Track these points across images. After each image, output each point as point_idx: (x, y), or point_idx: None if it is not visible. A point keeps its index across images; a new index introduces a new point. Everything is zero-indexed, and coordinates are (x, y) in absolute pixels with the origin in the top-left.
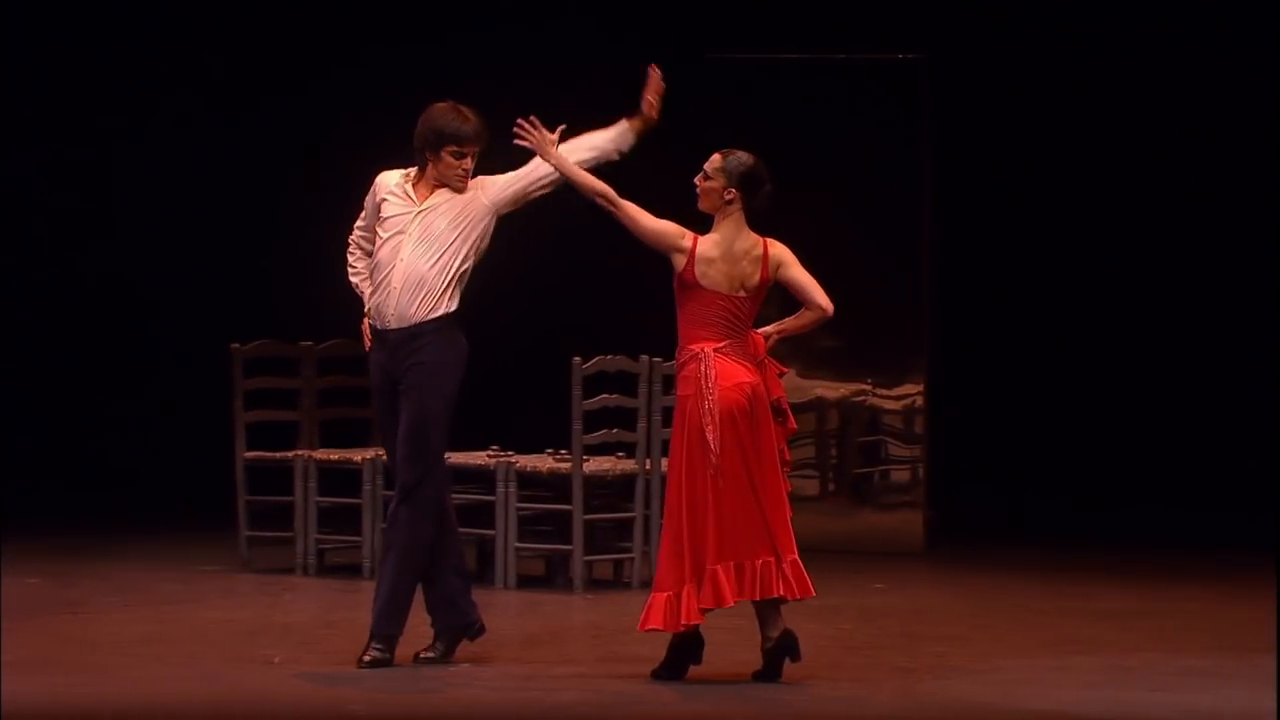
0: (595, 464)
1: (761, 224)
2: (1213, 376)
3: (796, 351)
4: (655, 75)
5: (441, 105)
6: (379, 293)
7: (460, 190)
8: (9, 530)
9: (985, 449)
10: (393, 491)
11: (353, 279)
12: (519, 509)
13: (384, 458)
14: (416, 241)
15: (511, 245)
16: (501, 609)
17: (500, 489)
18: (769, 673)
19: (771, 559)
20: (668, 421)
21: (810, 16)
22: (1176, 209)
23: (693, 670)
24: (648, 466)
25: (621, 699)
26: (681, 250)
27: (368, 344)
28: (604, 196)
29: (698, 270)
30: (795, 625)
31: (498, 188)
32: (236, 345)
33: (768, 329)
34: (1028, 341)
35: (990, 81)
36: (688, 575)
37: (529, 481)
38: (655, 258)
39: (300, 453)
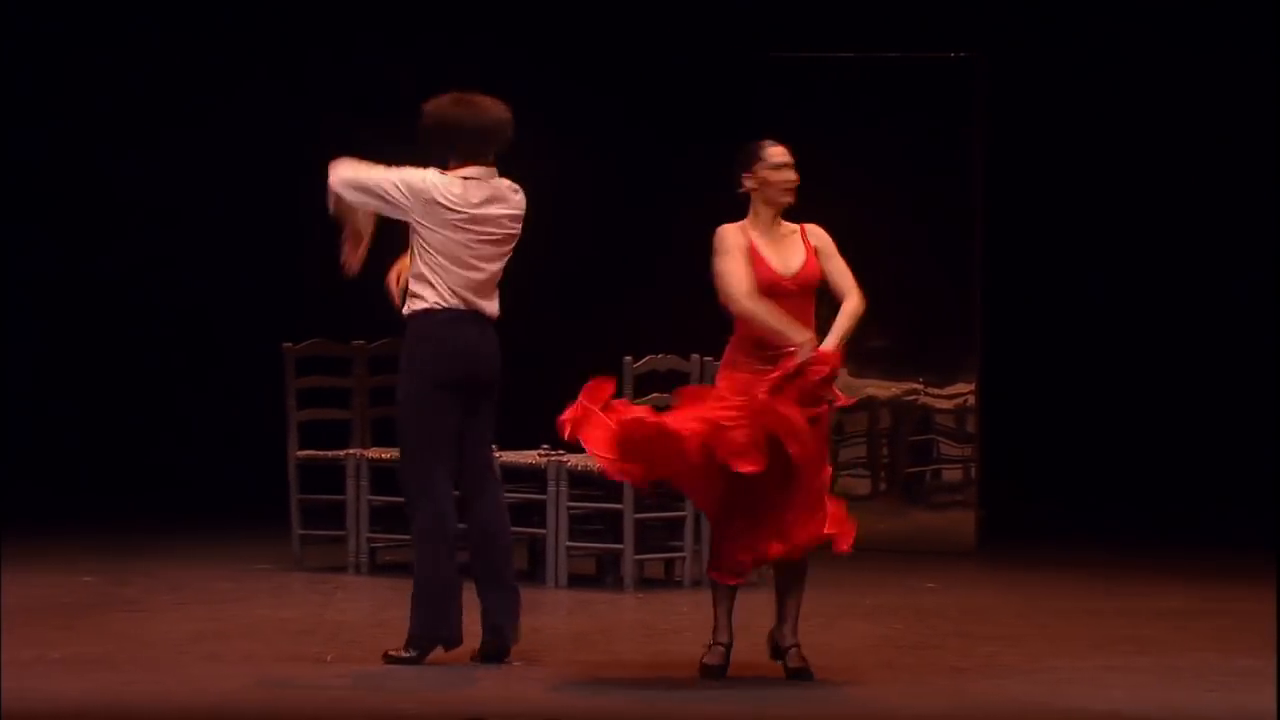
0: None
1: (810, 220)
2: (1272, 374)
3: (848, 351)
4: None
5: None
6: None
7: None
8: (64, 529)
9: (1037, 448)
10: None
11: None
12: (570, 508)
13: None
14: None
15: (561, 244)
16: (552, 608)
17: (551, 488)
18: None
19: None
20: None
21: (864, 15)
22: (1232, 207)
23: (743, 667)
24: None
25: (672, 698)
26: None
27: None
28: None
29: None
30: (847, 625)
31: None
32: (289, 345)
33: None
34: (1081, 339)
35: (1044, 79)
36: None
37: (580, 480)
38: (707, 255)
39: (352, 452)
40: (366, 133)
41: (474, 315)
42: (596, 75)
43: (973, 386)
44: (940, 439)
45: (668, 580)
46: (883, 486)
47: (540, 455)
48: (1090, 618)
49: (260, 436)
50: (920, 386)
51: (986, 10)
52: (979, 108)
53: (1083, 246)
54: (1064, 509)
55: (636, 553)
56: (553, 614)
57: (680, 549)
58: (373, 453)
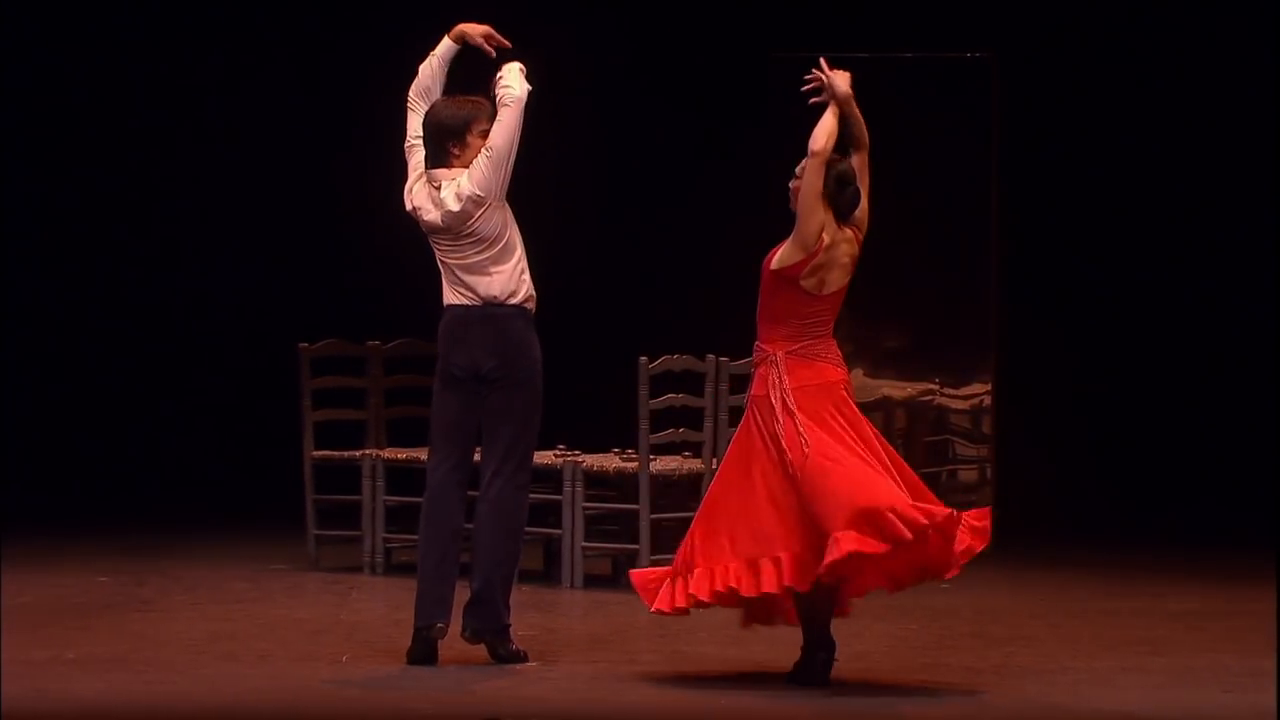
0: (661, 463)
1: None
2: None
3: (863, 351)
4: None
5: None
6: None
7: None
8: (79, 529)
9: (1053, 449)
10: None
11: None
12: (586, 508)
13: None
14: None
15: (579, 244)
16: (568, 608)
17: (567, 488)
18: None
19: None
20: (734, 421)
21: (879, 14)
22: (1248, 207)
23: (759, 666)
24: (714, 466)
25: (687, 698)
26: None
27: None
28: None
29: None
30: (864, 625)
31: None
32: (304, 345)
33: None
34: (1097, 339)
35: (1059, 79)
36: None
37: (596, 481)
38: (727, 255)
39: (368, 452)
40: (384, 130)
41: (476, 309)
42: (618, 70)
43: (988, 387)
44: (956, 439)
45: None
46: None
47: (556, 455)
48: (1106, 618)
49: (276, 437)
50: (936, 387)
51: (1002, 10)
52: (995, 108)
53: (1099, 247)
54: (1080, 510)
55: (652, 553)
56: (568, 615)
57: None
58: (388, 453)
